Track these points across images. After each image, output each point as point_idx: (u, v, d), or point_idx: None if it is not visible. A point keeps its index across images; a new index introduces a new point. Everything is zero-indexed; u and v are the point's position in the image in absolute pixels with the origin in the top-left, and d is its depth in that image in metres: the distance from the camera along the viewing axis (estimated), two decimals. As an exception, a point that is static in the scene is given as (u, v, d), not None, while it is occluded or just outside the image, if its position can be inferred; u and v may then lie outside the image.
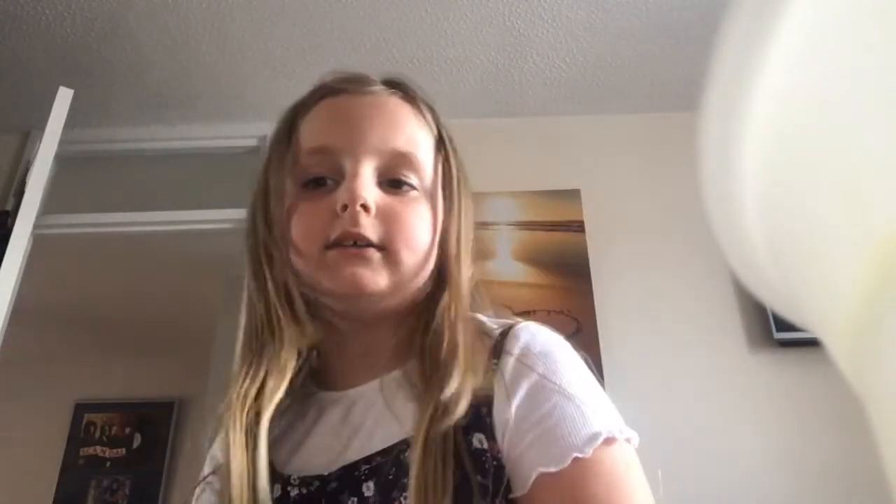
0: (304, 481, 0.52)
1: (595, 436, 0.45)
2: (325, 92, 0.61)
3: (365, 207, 0.54)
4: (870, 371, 0.13)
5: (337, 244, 0.54)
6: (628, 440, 0.47)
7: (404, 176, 0.57)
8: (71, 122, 1.77)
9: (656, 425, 1.65)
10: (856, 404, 0.14)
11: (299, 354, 0.57)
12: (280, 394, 0.55)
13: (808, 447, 1.69)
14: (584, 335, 1.78)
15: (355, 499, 0.49)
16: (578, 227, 1.96)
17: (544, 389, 0.49)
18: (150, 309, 3.37)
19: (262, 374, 0.55)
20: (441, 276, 0.58)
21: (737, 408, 1.75)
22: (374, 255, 0.54)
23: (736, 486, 1.66)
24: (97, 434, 3.75)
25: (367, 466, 0.50)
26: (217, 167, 2.20)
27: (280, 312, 0.56)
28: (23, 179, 1.94)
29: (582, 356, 0.54)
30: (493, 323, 0.57)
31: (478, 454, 0.47)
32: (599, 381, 0.54)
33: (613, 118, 2.18)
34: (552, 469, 0.45)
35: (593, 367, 0.54)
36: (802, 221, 0.14)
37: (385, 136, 0.57)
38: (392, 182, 0.57)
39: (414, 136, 0.59)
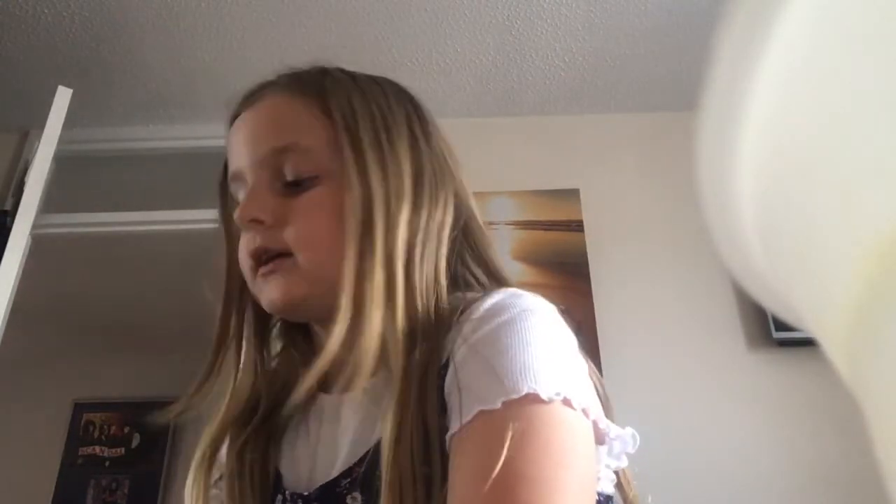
0: (293, 497, 0.52)
1: (509, 390, 0.40)
2: (232, 119, 0.62)
3: (255, 222, 0.53)
4: (866, 371, 0.13)
5: (257, 265, 0.54)
6: (566, 402, 0.41)
7: (296, 171, 0.54)
8: (70, 121, 1.77)
9: (655, 424, 1.65)
10: (854, 404, 0.14)
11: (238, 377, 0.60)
12: (229, 418, 0.57)
13: (807, 446, 1.69)
14: (583, 334, 1.76)
15: None
16: (577, 226, 1.96)
17: (473, 351, 0.45)
18: (149, 309, 3.36)
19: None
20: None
21: (735, 407, 1.75)
22: (282, 264, 0.53)
23: (734, 485, 1.66)
24: (96, 433, 3.74)
25: (348, 480, 0.49)
26: (217, 167, 2.19)
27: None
28: (22, 179, 1.94)
29: (568, 322, 0.50)
30: (475, 295, 0.52)
31: None
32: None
33: (613, 118, 2.18)
34: (462, 423, 0.41)
35: (577, 335, 0.50)
36: (799, 223, 0.14)
37: (262, 141, 0.56)
38: (293, 182, 0.55)
39: (293, 125, 0.56)
